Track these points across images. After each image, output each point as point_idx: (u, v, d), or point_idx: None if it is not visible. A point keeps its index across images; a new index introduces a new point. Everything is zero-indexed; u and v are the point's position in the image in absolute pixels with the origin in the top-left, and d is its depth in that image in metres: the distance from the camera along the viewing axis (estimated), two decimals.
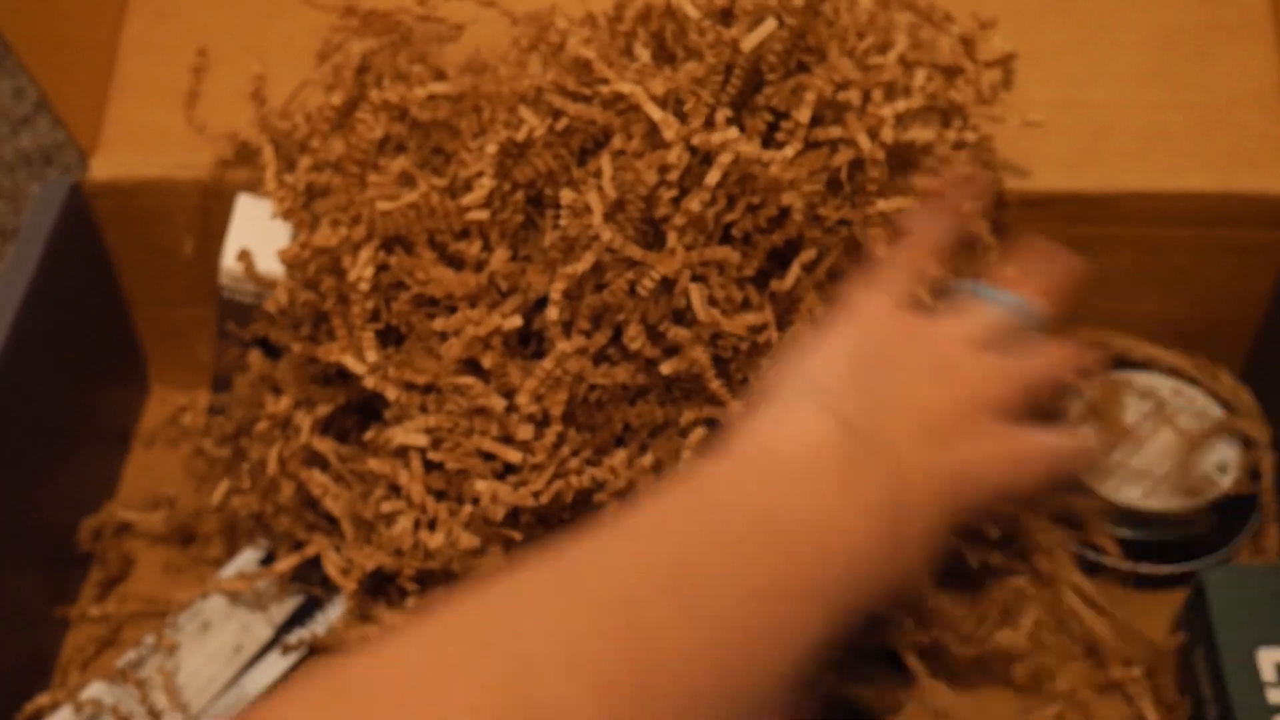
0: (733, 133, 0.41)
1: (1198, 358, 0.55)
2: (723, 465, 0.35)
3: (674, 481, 0.35)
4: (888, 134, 0.43)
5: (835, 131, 0.43)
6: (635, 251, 0.41)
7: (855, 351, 0.39)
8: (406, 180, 0.46)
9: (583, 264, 0.41)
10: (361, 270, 0.44)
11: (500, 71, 0.48)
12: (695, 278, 0.42)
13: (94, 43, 0.55)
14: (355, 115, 0.47)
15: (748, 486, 0.35)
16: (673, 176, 0.41)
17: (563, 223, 0.42)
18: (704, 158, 0.41)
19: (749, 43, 0.41)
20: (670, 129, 0.41)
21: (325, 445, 0.47)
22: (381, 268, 0.45)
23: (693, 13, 0.43)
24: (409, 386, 0.44)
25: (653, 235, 0.42)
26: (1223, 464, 0.52)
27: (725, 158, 0.40)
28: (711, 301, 0.42)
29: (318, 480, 0.47)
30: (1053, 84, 0.52)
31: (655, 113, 0.41)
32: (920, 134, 0.45)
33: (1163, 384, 0.55)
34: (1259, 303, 0.54)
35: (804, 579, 0.33)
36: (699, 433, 0.43)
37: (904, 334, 0.40)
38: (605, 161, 0.42)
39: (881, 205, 0.43)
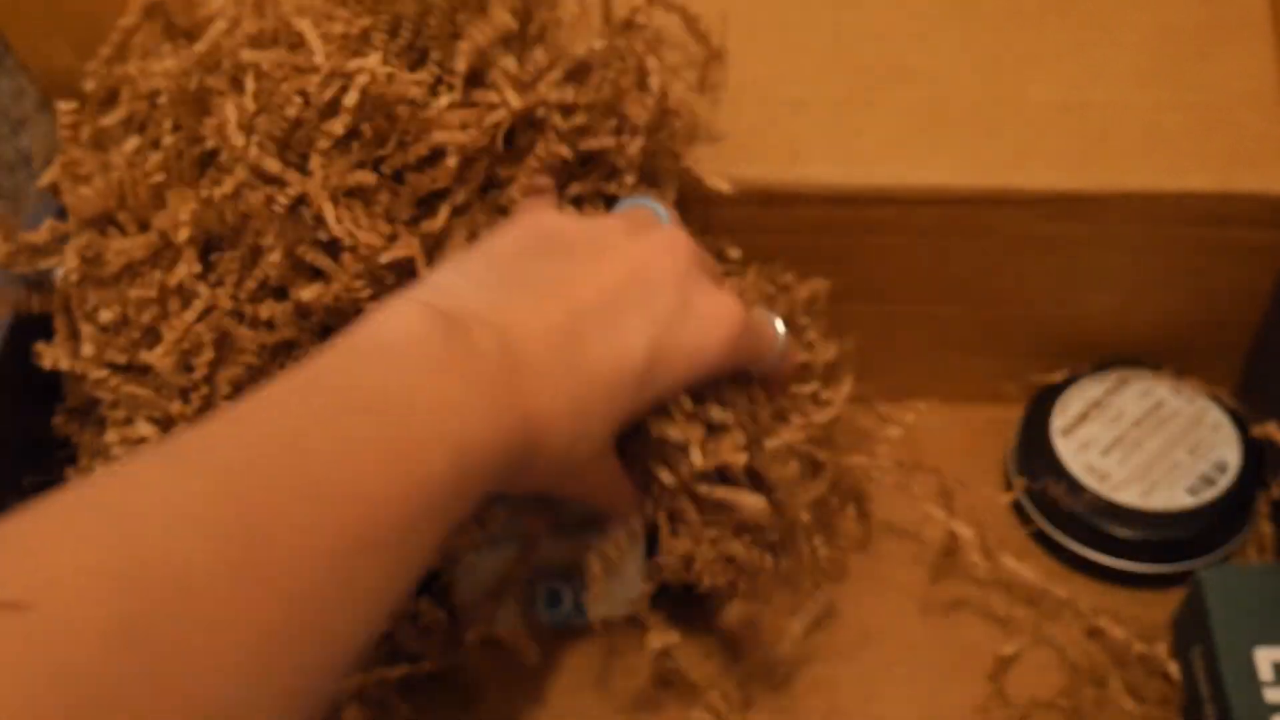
0: (373, 60, 0.40)
1: (1197, 358, 0.55)
2: (328, 354, 0.35)
3: (284, 372, 0.35)
4: (548, 94, 0.43)
5: (493, 96, 0.43)
6: (273, 165, 0.41)
7: (502, 248, 0.40)
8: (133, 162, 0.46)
9: (218, 191, 0.41)
10: (71, 261, 0.44)
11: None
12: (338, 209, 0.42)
13: (95, 44, 0.55)
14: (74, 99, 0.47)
15: (352, 370, 0.35)
16: (317, 98, 0.40)
17: (207, 136, 0.42)
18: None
19: None
20: (319, 53, 0.41)
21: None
22: (94, 258, 0.44)
23: None
24: (112, 367, 0.44)
25: (298, 163, 0.42)
26: (1222, 464, 0.52)
27: (362, 78, 0.40)
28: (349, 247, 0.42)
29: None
30: (1053, 84, 0.52)
31: (314, 41, 0.41)
32: (595, 141, 0.45)
33: (1162, 383, 0.55)
34: (1259, 303, 0.54)
35: (418, 450, 0.33)
36: None
37: (563, 227, 0.41)
38: (249, 79, 0.41)
39: (532, 162, 0.43)
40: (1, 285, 0.50)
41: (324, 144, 0.41)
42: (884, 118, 0.51)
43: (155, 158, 0.43)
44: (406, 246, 0.42)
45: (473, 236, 0.43)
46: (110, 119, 0.46)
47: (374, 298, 0.42)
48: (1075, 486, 0.51)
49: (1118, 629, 0.49)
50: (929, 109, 0.52)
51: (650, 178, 0.48)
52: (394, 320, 0.36)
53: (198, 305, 0.42)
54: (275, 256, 0.41)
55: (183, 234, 0.42)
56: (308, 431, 0.32)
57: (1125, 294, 0.54)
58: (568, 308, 0.38)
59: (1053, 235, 0.52)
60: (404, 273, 0.42)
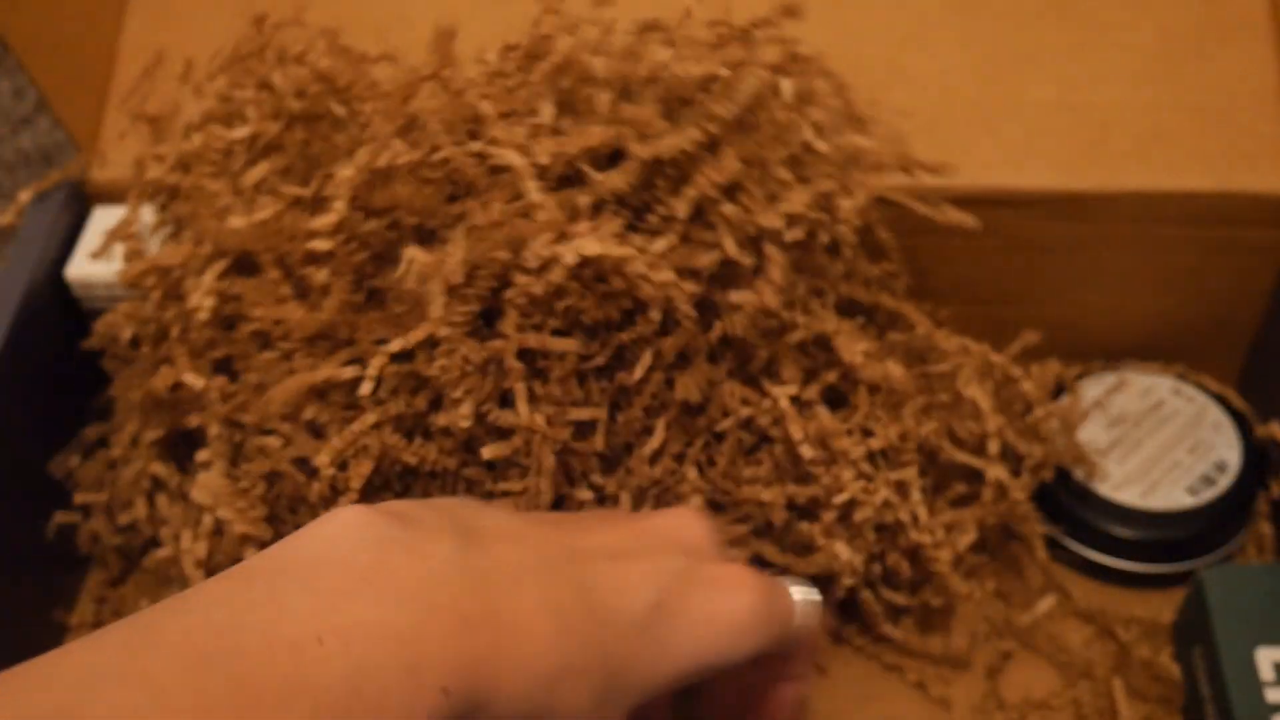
0: (584, 226, 0.38)
1: (1197, 358, 0.55)
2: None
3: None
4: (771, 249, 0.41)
5: (709, 236, 0.41)
6: (465, 344, 0.38)
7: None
8: (266, 193, 0.43)
9: (411, 338, 0.39)
10: (201, 299, 0.41)
11: (388, 91, 0.45)
12: (532, 368, 0.39)
13: (94, 43, 0.55)
14: (207, 113, 0.45)
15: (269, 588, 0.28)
16: (528, 257, 0.38)
17: (408, 282, 0.40)
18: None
19: (664, 149, 0.39)
20: (543, 208, 0.38)
21: (164, 469, 0.46)
22: (227, 297, 0.42)
23: (607, 96, 0.40)
24: (231, 424, 0.42)
25: (495, 304, 0.40)
26: (1222, 464, 0.52)
27: (570, 257, 0.38)
28: (533, 397, 0.39)
29: (160, 504, 0.46)
30: (1053, 84, 0.52)
31: (534, 193, 0.38)
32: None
33: (1162, 383, 0.55)
34: (1259, 303, 0.54)
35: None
36: None
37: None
38: (459, 237, 0.39)
39: (734, 298, 0.41)
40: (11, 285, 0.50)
41: (521, 301, 0.38)
42: (884, 118, 0.51)
43: (322, 221, 0.40)
44: (593, 411, 0.40)
45: (666, 382, 0.41)
46: (236, 133, 0.44)
47: (556, 454, 0.40)
48: (1075, 484, 0.51)
49: (1118, 629, 0.49)
50: (929, 109, 0.52)
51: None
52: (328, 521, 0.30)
53: (368, 420, 0.40)
54: (465, 412, 0.39)
55: (367, 384, 0.39)
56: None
57: (1125, 294, 0.54)
58: (564, 541, 0.33)
59: (1053, 235, 0.52)
60: (587, 430, 0.41)
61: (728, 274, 0.42)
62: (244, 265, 0.43)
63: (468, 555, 0.30)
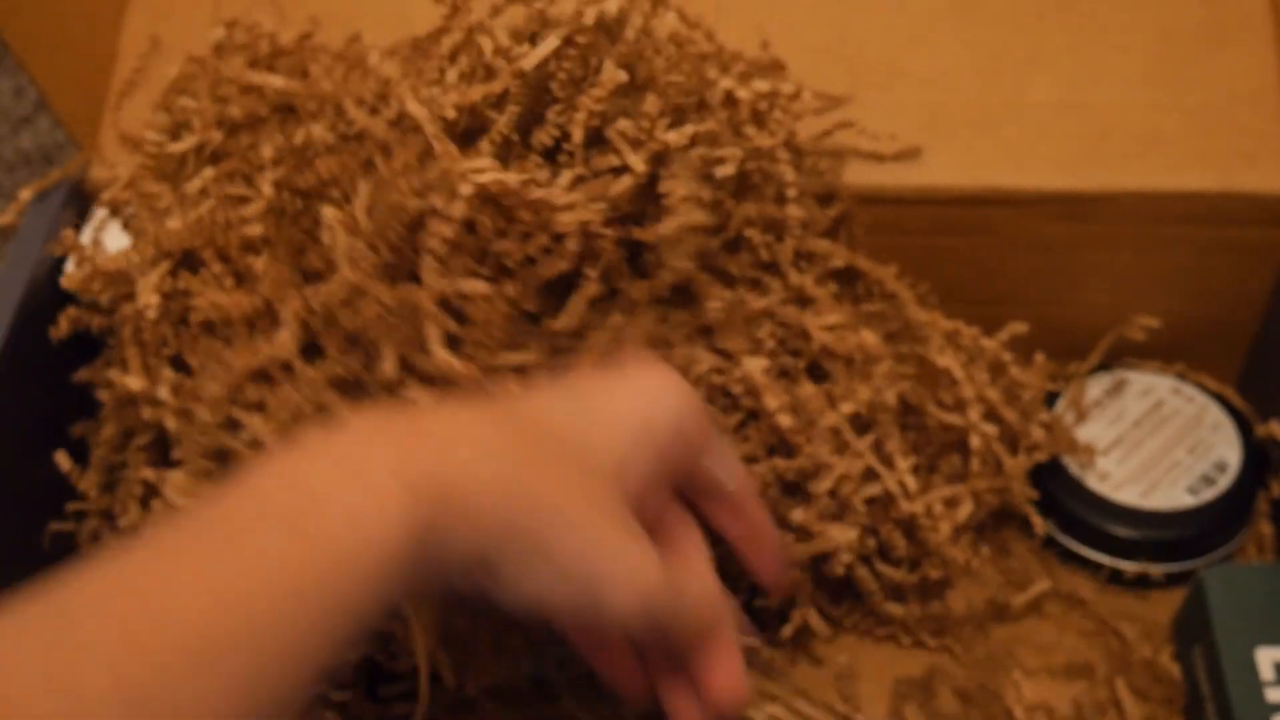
0: (484, 161, 0.39)
1: (1197, 358, 0.55)
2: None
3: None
4: (670, 139, 0.41)
5: (614, 160, 0.41)
6: (379, 289, 0.39)
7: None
8: (204, 196, 0.44)
9: (325, 290, 0.40)
10: (148, 297, 0.42)
11: (315, 84, 0.46)
12: (456, 314, 0.40)
13: (94, 43, 0.55)
14: (148, 126, 0.46)
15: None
16: (435, 202, 0.39)
17: (324, 240, 0.40)
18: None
19: (530, 60, 0.40)
20: (444, 152, 0.39)
21: (154, 474, 0.46)
22: (174, 294, 0.43)
23: (493, 40, 0.41)
24: (187, 416, 0.42)
25: (418, 260, 0.40)
26: (1222, 463, 0.52)
27: (467, 188, 0.38)
28: (457, 342, 0.40)
29: (155, 509, 0.46)
30: (1053, 84, 0.52)
31: (433, 135, 0.39)
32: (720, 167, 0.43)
33: (1162, 383, 0.55)
34: (1259, 303, 0.54)
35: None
36: None
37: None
38: (362, 187, 0.40)
39: (662, 229, 0.42)
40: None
41: (437, 246, 0.39)
42: (884, 118, 0.51)
43: (253, 208, 0.42)
44: (525, 355, 0.40)
45: (616, 338, 0.42)
46: (178, 147, 0.45)
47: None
48: (1075, 485, 0.51)
49: (1118, 629, 0.49)
50: (929, 109, 0.52)
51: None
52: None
53: (303, 378, 0.41)
54: (388, 364, 0.40)
55: (285, 335, 0.40)
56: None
57: (1125, 294, 0.54)
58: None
59: (1053, 235, 0.52)
60: (525, 375, 0.41)
61: (657, 212, 0.42)
62: (189, 263, 0.44)
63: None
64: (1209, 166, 0.50)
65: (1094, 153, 0.51)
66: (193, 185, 0.45)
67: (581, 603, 0.33)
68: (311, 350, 0.42)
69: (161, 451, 0.47)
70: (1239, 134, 0.51)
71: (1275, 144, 0.50)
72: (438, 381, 0.40)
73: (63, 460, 0.49)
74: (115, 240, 0.49)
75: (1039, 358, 0.52)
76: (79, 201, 0.54)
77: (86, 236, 0.52)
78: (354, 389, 0.41)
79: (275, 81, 0.46)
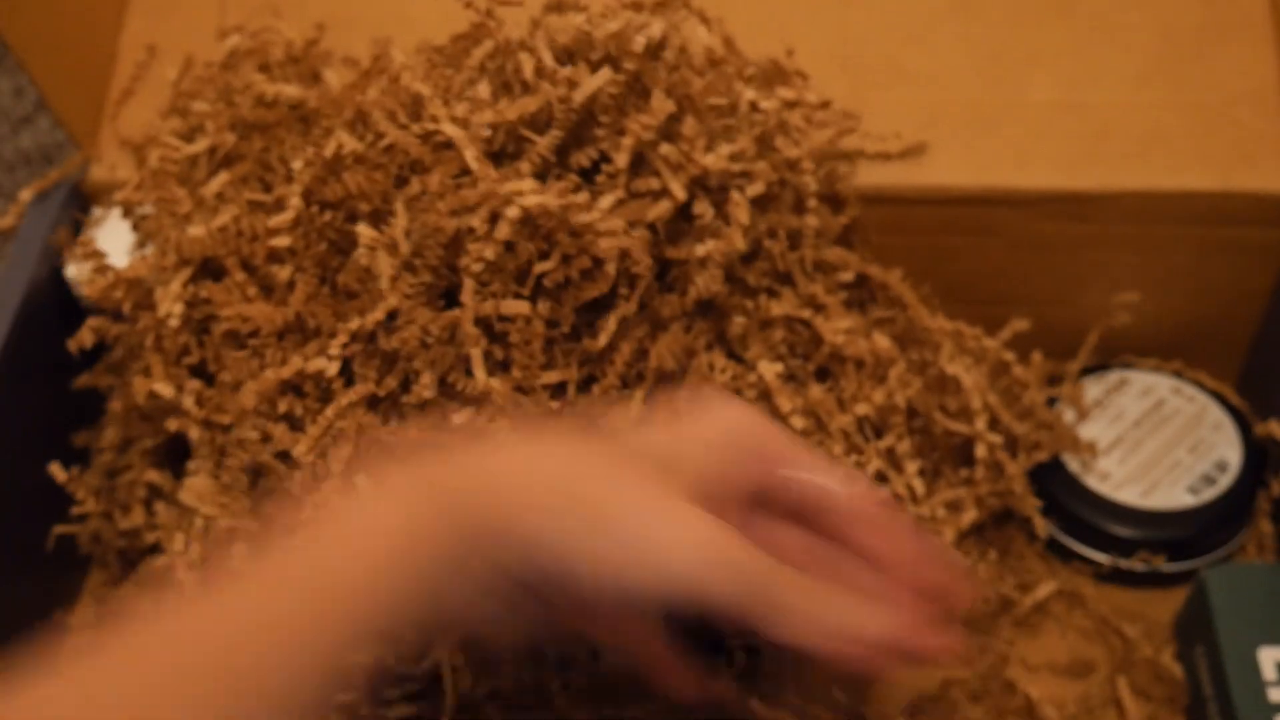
0: (527, 184, 0.39)
1: (1198, 357, 0.55)
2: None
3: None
4: (711, 178, 0.42)
5: (655, 183, 0.41)
6: (422, 315, 0.39)
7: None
8: (226, 201, 0.44)
9: (369, 318, 0.40)
10: (170, 305, 0.42)
11: (336, 93, 0.47)
12: (493, 333, 0.40)
13: (94, 43, 0.55)
14: (163, 129, 0.46)
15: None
16: (474, 223, 0.39)
17: (361, 260, 0.41)
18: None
19: (582, 92, 0.40)
20: (482, 174, 0.39)
21: (159, 476, 0.46)
22: (196, 302, 0.43)
23: (532, 60, 0.41)
24: (210, 426, 0.43)
25: (455, 279, 0.40)
26: (1222, 463, 0.52)
27: (513, 211, 0.38)
28: (497, 363, 0.40)
29: (159, 511, 0.46)
30: (1053, 84, 0.52)
31: (472, 158, 0.39)
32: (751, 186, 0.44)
33: (1162, 383, 0.55)
34: (1259, 302, 0.54)
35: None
36: None
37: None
38: (400, 209, 0.40)
39: (699, 250, 0.42)
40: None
41: (476, 267, 0.39)
42: (884, 118, 0.51)
43: (281, 218, 0.42)
44: (562, 374, 0.41)
45: (640, 351, 0.42)
46: (191, 149, 0.46)
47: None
48: (1076, 485, 0.51)
49: (1120, 628, 0.49)
50: (929, 109, 0.52)
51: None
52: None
53: (341, 403, 0.41)
54: (426, 381, 0.40)
55: (333, 365, 0.40)
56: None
57: (1125, 293, 0.54)
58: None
59: (1053, 235, 0.52)
60: (560, 393, 0.41)
61: (688, 231, 0.42)
62: (211, 271, 0.43)
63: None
64: (1209, 166, 0.50)
65: (1094, 152, 0.51)
66: (210, 189, 0.45)
67: (643, 573, 0.32)
68: (342, 368, 0.42)
69: (166, 455, 0.47)
70: (1239, 134, 0.51)
71: (1275, 144, 0.51)
72: (476, 402, 0.40)
73: (58, 472, 0.49)
74: (113, 239, 0.49)
75: (1036, 357, 0.53)
76: (79, 201, 0.54)
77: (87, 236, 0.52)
78: (388, 407, 0.41)
79: (290, 91, 0.46)
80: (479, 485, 0.33)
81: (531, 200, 0.38)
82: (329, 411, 0.40)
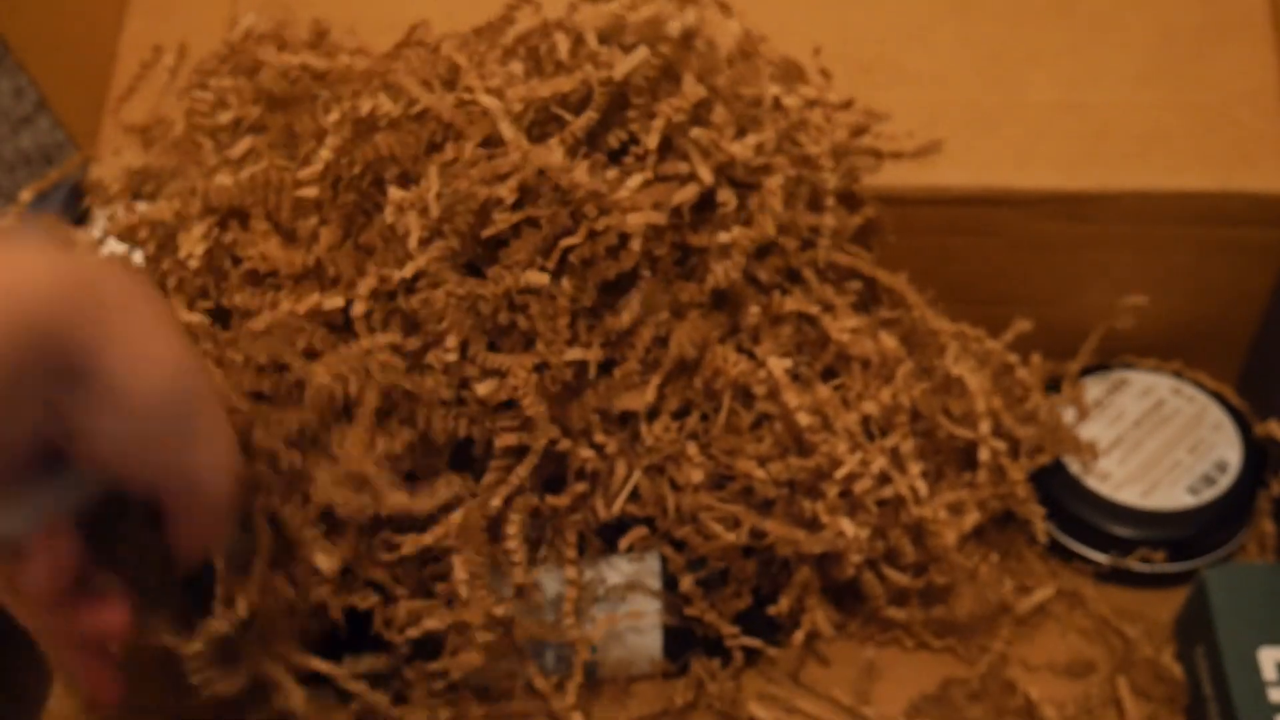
0: (558, 157, 0.39)
1: (1197, 357, 0.55)
2: None
3: None
4: (737, 169, 0.42)
5: (683, 167, 0.42)
6: (451, 278, 0.40)
7: None
8: (253, 158, 0.45)
9: (396, 274, 0.40)
10: (193, 246, 0.42)
11: (366, 62, 0.47)
12: (514, 308, 0.40)
13: (94, 43, 0.55)
14: (192, 93, 0.46)
15: None
16: (503, 193, 0.39)
17: (388, 219, 0.41)
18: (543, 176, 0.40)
19: (621, 69, 0.40)
20: (516, 145, 0.39)
21: None
22: (218, 246, 0.43)
23: (569, 39, 0.42)
24: (223, 364, 0.42)
25: (483, 248, 0.41)
26: (1222, 463, 0.52)
27: (529, 170, 0.39)
28: (529, 338, 0.41)
29: None
30: (1053, 84, 0.52)
31: (507, 129, 0.40)
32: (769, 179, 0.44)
33: (1162, 383, 0.55)
34: (1259, 303, 0.54)
35: None
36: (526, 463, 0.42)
37: None
38: (433, 172, 0.40)
39: (723, 237, 0.42)
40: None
41: (505, 234, 0.40)
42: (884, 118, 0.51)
43: (310, 170, 0.42)
44: (586, 352, 0.41)
45: (660, 337, 0.42)
46: (220, 118, 0.46)
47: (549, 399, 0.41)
48: (1076, 485, 0.51)
49: (1121, 628, 0.49)
50: (929, 109, 0.52)
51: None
52: None
53: (363, 343, 0.41)
54: (451, 344, 0.40)
55: (359, 307, 0.40)
56: None
57: (1125, 293, 0.54)
58: None
59: (1053, 235, 0.52)
60: (581, 370, 0.42)
61: (710, 219, 0.42)
62: (228, 224, 0.43)
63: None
64: (1209, 166, 0.50)
65: (1094, 152, 0.51)
66: (238, 149, 0.45)
67: None
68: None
69: None
70: (1239, 134, 0.51)
71: (1275, 144, 0.51)
72: (496, 374, 0.40)
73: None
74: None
75: (1036, 358, 0.53)
76: (79, 202, 0.54)
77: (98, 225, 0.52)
78: (410, 364, 0.41)
79: (316, 62, 0.46)
80: None
81: (562, 174, 0.39)
82: (351, 346, 0.40)
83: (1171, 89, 0.52)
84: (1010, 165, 0.51)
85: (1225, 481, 0.51)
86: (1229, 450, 0.52)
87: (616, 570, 0.46)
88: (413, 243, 0.40)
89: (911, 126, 0.51)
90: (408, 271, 0.40)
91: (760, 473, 0.43)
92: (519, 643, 0.44)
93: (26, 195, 0.52)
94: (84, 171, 0.54)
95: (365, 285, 0.41)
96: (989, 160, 0.51)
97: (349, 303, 0.41)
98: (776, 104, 0.45)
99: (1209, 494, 0.51)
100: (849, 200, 0.49)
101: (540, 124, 0.41)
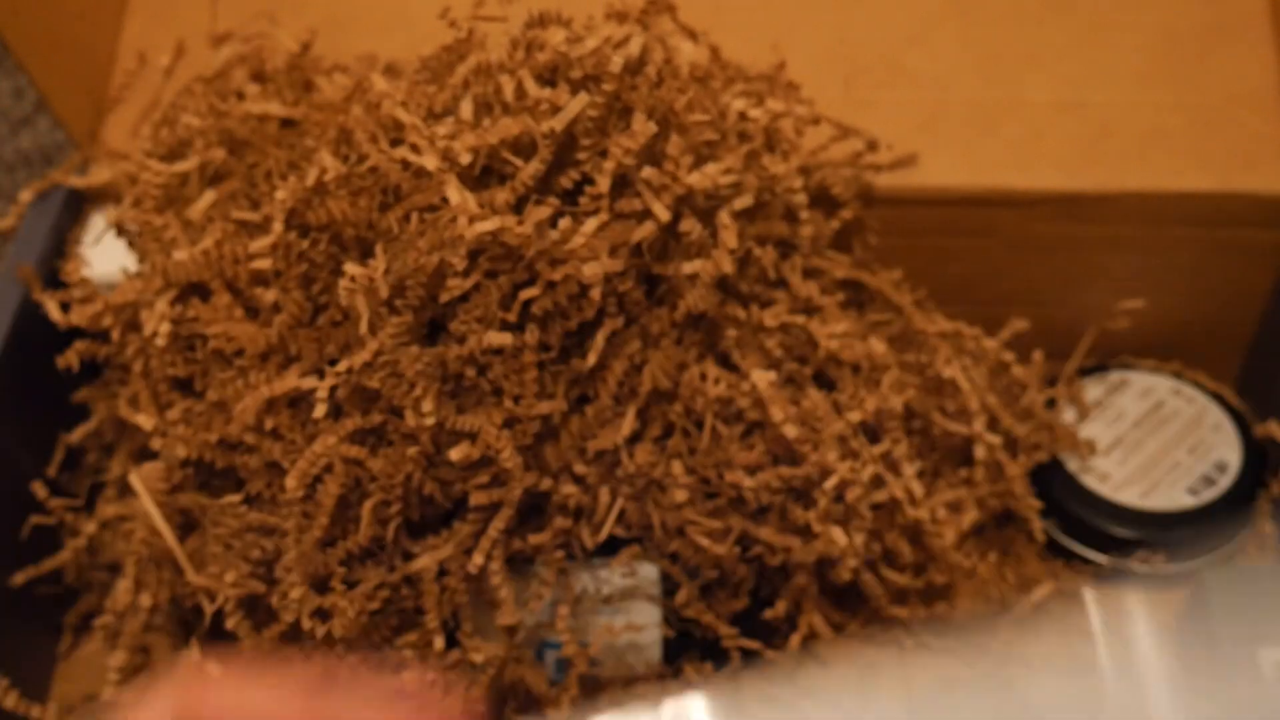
0: (505, 220, 0.38)
1: (1197, 358, 0.55)
2: None
3: None
4: (695, 181, 0.41)
5: (639, 203, 0.41)
6: (405, 356, 0.39)
7: None
8: (212, 228, 0.44)
9: (355, 359, 0.40)
10: (156, 324, 0.42)
11: (321, 111, 0.47)
12: (479, 368, 0.40)
13: (94, 43, 0.55)
14: (147, 151, 0.46)
15: None
16: (454, 260, 0.38)
17: (342, 300, 0.40)
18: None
19: (559, 121, 0.39)
20: (462, 210, 0.39)
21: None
22: (183, 320, 0.43)
23: (512, 82, 0.41)
24: (199, 445, 0.42)
25: (443, 307, 0.40)
26: (1222, 464, 0.52)
27: (469, 235, 0.38)
28: (496, 392, 0.40)
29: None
30: (1053, 84, 0.52)
31: (454, 194, 0.39)
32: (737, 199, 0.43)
33: (1161, 384, 0.55)
34: (1259, 303, 0.54)
35: None
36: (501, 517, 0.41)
37: None
38: (379, 250, 0.40)
39: (687, 268, 0.42)
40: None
41: (456, 299, 0.39)
42: (884, 118, 0.51)
43: (262, 243, 0.42)
44: (552, 405, 0.41)
45: (632, 368, 0.42)
46: (181, 167, 0.46)
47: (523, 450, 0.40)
48: (1075, 486, 0.51)
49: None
50: (929, 109, 0.52)
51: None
52: None
53: (328, 440, 0.40)
54: (427, 409, 0.39)
55: (320, 408, 0.40)
56: None
57: (1125, 294, 0.54)
58: None
59: (1053, 235, 0.52)
60: (550, 423, 0.41)
61: (677, 248, 0.42)
62: (198, 293, 0.44)
63: None
64: (1209, 167, 0.50)
65: (1094, 153, 0.51)
66: (197, 209, 0.45)
67: None
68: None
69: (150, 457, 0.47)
70: (1239, 134, 0.51)
71: (1275, 144, 0.51)
72: (468, 436, 0.40)
73: (39, 489, 0.49)
74: (113, 254, 0.49)
75: (1036, 356, 0.53)
76: (79, 202, 0.54)
77: (89, 241, 0.52)
78: (375, 441, 0.41)
79: (276, 110, 0.46)
80: None
81: (510, 235, 0.38)
82: (316, 446, 0.40)
83: (1172, 89, 0.52)
84: (1010, 165, 0.51)
85: (1225, 482, 0.51)
86: (1229, 451, 0.52)
87: (612, 579, 0.46)
88: (363, 327, 0.39)
89: (911, 127, 0.51)
90: (364, 357, 0.39)
91: (750, 482, 0.43)
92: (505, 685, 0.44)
93: (26, 195, 0.52)
94: (84, 172, 0.54)
95: (325, 384, 0.40)
96: (988, 160, 0.51)
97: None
98: (743, 118, 0.44)
99: (1209, 495, 0.51)
100: (828, 203, 0.49)
101: (492, 169, 0.41)
